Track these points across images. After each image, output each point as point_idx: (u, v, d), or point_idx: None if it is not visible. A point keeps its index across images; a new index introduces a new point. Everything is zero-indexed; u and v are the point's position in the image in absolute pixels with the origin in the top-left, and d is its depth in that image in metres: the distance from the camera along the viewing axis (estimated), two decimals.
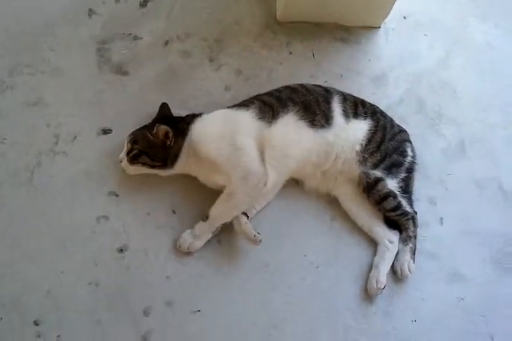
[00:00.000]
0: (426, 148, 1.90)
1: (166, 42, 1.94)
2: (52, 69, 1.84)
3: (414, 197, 1.77)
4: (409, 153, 1.77)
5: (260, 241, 1.61)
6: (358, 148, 1.69)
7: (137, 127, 1.71)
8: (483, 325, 1.68)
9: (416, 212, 1.72)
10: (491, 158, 1.93)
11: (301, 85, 1.77)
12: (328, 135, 1.67)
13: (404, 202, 1.70)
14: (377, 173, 1.68)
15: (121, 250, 1.64)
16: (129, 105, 1.82)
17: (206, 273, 1.65)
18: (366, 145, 1.70)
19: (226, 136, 1.61)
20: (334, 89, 1.79)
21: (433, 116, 1.97)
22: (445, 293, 1.71)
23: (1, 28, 1.90)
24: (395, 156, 1.72)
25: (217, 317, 1.60)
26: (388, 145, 1.72)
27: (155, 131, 1.59)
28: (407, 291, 1.70)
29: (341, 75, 1.98)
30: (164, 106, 1.73)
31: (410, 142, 1.81)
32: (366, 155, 1.69)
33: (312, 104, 1.69)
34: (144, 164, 1.62)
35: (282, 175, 1.67)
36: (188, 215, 1.70)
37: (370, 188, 1.68)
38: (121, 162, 1.64)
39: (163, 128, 1.59)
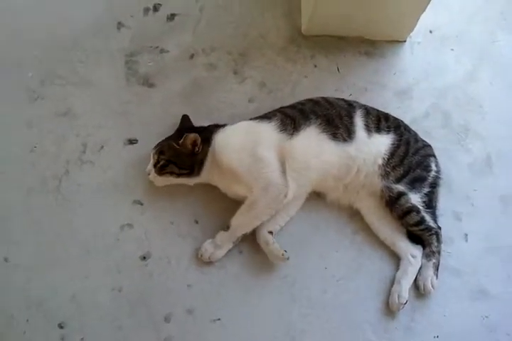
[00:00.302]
0: (452, 163, 1.88)
1: (192, 56, 1.97)
2: (81, 81, 1.89)
3: (438, 213, 1.76)
4: (433, 167, 1.76)
5: (288, 258, 1.61)
6: (380, 161, 1.69)
7: (162, 138, 1.74)
8: None
9: (440, 228, 1.70)
10: None
11: (324, 98, 1.78)
12: (350, 149, 1.67)
13: (427, 217, 1.68)
14: (400, 187, 1.67)
15: (144, 258, 1.67)
16: (155, 116, 1.85)
17: (227, 282, 1.66)
18: (389, 159, 1.69)
19: (248, 147, 1.63)
20: (357, 103, 1.79)
21: (459, 130, 1.95)
22: (469, 310, 1.68)
23: (35, 41, 1.95)
24: (418, 171, 1.71)
25: (236, 326, 1.61)
26: (411, 159, 1.72)
27: (183, 140, 1.62)
28: (430, 307, 1.67)
29: (366, 89, 1.98)
30: (185, 118, 1.77)
31: (435, 157, 1.79)
32: (388, 169, 1.69)
33: (334, 118, 1.70)
34: (171, 173, 1.64)
35: (303, 187, 1.68)
36: (210, 225, 1.71)
37: (392, 202, 1.67)
38: (149, 174, 1.66)
39: (192, 136, 1.62)
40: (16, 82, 1.89)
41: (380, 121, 1.75)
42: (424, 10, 1.96)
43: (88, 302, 1.63)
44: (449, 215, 1.80)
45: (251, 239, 1.69)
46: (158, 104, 1.87)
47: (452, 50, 2.11)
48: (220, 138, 1.66)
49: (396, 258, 1.71)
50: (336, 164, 1.66)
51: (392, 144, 1.72)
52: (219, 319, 1.62)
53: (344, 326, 1.64)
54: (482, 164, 1.90)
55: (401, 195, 1.67)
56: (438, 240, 1.69)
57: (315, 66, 2.00)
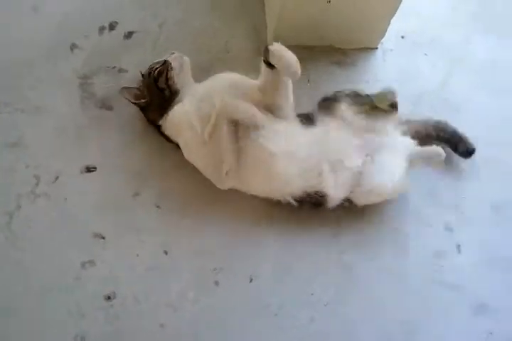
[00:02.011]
0: (436, 172, 1.79)
1: None
2: (32, 108, 1.76)
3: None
4: None
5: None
6: None
7: (123, 164, 1.65)
8: None
9: None
10: (505, 178, 1.82)
11: None
12: None
13: None
14: None
15: (109, 297, 1.52)
16: (114, 140, 1.73)
17: (203, 317, 1.52)
18: None
19: None
20: None
21: None
22: (471, 327, 1.59)
23: None
24: None
25: None
26: None
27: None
28: (429, 327, 1.57)
29: None
30: None
31: None
32: None
33: None
34: None
35: None
36: (181, 254, 1.59)
37: None
38: None
39: None
40: None
41: None
42: (393, 15, 1.89)
43: None
44: (440, 226, 1.72)
45: (228, 269, 1.57)
46: (118, 127, 1.76)
47: (426, 54, 2.05)
48: None
49: (387, 276, 1.62)
50: None
51: None
52: None
53: None
54: (468, 171, 1.82)
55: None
56: None
57: None
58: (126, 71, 1.86)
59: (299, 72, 1.53)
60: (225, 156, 1.54)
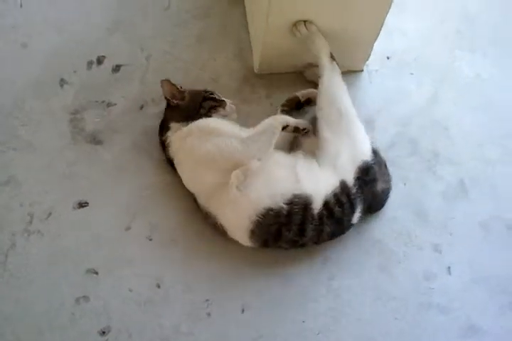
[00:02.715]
0: (425, 193, 1.81)
1: (141, 107, 1.88)
2: (23, 145, 1.78)
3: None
4: None
5: None
6: None
7: (115, 197, 1.66)
8: None
9: None
10: (494, 196, 1.83)
11: None
12: None
13: None
14: None
15: (104, 332, 1.53)
16: (105, 174, 1.75)
17: None
18: None
19: None
20: None
21: (428, 157, 1.89)
22: None
23: None
24: None
25: None
26: None
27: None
28: None
29: None
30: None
31: None
32: None
33: None
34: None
35: None
36: (173, 287, 1.60)
37: None
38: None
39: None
40: None
41: None
42: (376, 38, 1.92)
43: None
44: (428, 248, 1.72)
45: (220, 300, 1.59)
46: (109, 161, 1.78)
47: (412, 74, 2.07)
48: None
49: (377, 300, 1.62)
50: None
51: None
52: None
53: None
54: (456, 190, 1.83)
55: None
56: None
57: (271, 104, 1.93)
58: (115, 104, 1.88)
59: None
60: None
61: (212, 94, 1.75)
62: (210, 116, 1.70)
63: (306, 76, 1.97)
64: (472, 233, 1.76)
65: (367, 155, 1.65)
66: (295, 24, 1.74)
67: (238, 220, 1.56)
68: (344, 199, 1.58)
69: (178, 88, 1.73)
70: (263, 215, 1.53)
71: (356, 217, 1.63)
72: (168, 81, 1.72)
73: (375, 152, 1.69)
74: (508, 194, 1.84)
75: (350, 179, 1.61)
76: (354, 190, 1.60)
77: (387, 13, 1.80)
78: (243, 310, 1.58)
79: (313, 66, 1.86)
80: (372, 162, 1.65)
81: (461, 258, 1.71)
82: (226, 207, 1.57)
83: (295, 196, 1.55)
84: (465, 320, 1.61)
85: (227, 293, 1.60)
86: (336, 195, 1.58)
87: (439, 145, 1.91)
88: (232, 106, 1.75)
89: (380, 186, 1.67)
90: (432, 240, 1.73)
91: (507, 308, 1.64)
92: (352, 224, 1.64)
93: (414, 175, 1.83)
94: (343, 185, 1.59)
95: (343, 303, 1.62)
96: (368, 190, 1.63)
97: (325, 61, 1.73)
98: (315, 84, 1.80)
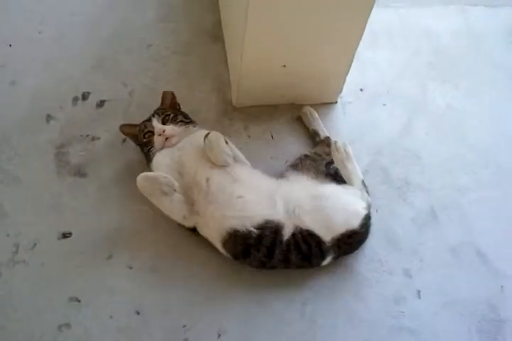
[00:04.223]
0: (395, 219, 1.87)
1: (124, 140, 1.96)
2: (10, 179, 1.86)
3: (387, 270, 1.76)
4: None
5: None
6: None
7: (98, 227, 1.73)
8: None
9: None
10: (464, 223, 1.89)
11: None
12: None
13: None
14: None
15: None
16: (88, 206, 1.82)
17: None
18: None
19: None
20: None
21: (399, 185, 1.95)
22: None
23: None
24: None
25: None
26: None
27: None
28: None
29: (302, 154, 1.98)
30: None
31: None
32: None
33: None
34: (181, 122, 1.80)
35: None
36: (152, 313, 1.65)
37: None
38: (159, 135, 1.75)
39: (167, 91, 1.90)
40: None
41: None
42: (347, 73, 2.01)
43: None
44: (399, 273, 1.77)
45: (195, 326, 1.63)
46: (92, 193, 1.85)
47: (384, 105, 2.16)
48: None
49: (349, 324, 1.66)
50: None
51: None
52: None
53: None
54: (426, 216, 1.89)
55: None
56: None
57: (249, 136, 2.02)
58: (99, 138, 1.97)
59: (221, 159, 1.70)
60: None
61: (145, 126, 1.81)
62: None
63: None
64: (442, 258, 1.81)
65: (354, 225, 1.67)
66: (335, 143, 1.84)
67: (211, 231, 1.65)
68: (313, 243, 1.63)
69: (135, 126, 1.84)
70: (229, 234, 1.60)
71: (327, 261, 1.68)
72: (124, 125, 1.86)
73: (367, 218, 1.72)
74: (478, 220, 1.89)
75: (327, 239, 1.64)
76: (328, 245, 1.64)
77: (356, 48, 1.89)
78: (219, 335, 1.63)
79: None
80: (359, 228, 1.68)
81: (430, 282, 1.76)
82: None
83: (267, 221, 1.61)
84: None
85: (204, 319, 1.64)
86: (303, 236, 1.63)
87: (411, 173, 1.98)
88: (160, 138, 1.77)
89: (358, 239, 1.73)
90: (402, 265, 1.78)
91: (474, 332, 1.68)
92: (321, 265, 1.69)
93: (386, 202, 1.90)
94: (317, 238, 1.63)
95: (316, 327, 1.66)
96: (345, 247, 1.69)
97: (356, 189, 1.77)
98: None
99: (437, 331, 1.67)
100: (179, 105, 1.92)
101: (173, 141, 1.77)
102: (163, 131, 1.74)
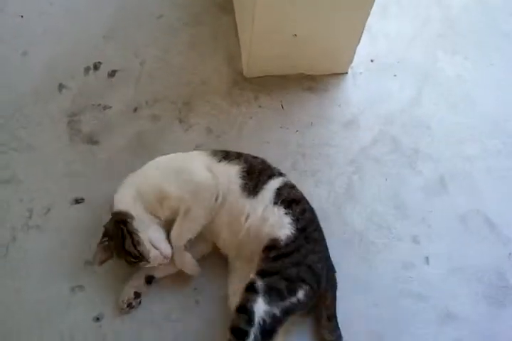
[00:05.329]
0: (404, 187, 1.89)
1: (135, 109, 1.98)
2: (24, 146, 1.89)
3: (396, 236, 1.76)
4: (299, 296, 1.48)
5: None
6: (264, 241, 1.54)
7: (109, 194, 1.72)
8: None
9: None
10: (472, 191, 1.90)
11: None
12: (248, 203, 1.60)
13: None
14: (258, 282, 1.46)
15: (98, 319, 1.61)
16: (100, 173, 1.85)
17: (184, 337, 1.60)
18: (271, 246, 1.53)
19: (172, 168, 1.66)
20: (286, 177, 1.72)
21: (409, 154, 1.97)
22: (439, 336, 1.63)
23: None
24: (282, 285, 1.47)
25: None
26: (287, 268, 1.50)
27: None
28: (397, 336, 1.63)
29: (312, 123, 2.00)
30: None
31: (311, 287, 1.51)
32: (263, 257, 1.52)
33: (256, 170, 1.66)
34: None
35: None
36: (163, 281, 1.67)
37: (244, 290, 1.47)
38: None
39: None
40: None
41: (293, 201, 1.62)
42: (358, 42, 2.02)
43: None
44: (407, 240, 1.79)
45: (208, 288, 1.66)
46: (104, 160, 1.87)
47: (395, 75, 2.16)
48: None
49: (354, 287, 1.68)
50: (233, 211, 1.60)
51: (287, 236, 1.54)
52: None
53: None
54: (436, 185, 1.90)
55: (253, 289, 1.45)
56: None
57: (259, 106, 2.03)
58: (111, 107, 1.99)
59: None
60: None
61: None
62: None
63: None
64: (450, 225, 1.82)
65: None
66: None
67: None
68: None
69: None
70: None
71: None
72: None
73: None
74: (486, 189, 1.90)
75: None
76: None
77: (367, 17, 1.90)
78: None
79: None
80: None
81: (439, 249, 1.77)
82: None
83: None
84: (442, 307, 1.67)
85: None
86: None
87: (420, 143, 1.99)
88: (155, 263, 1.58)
89: None
90: (411, 232, 1.79)
91: (482, 297, 1.70)
92: None
93: (396, 170, 1.91)
94: None
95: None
96: None
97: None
98: None
99: (445, 296, 1.69)
100: None
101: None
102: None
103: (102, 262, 1.58)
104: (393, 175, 1.90)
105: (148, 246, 1.53)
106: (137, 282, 1.62)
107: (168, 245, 1.56)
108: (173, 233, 1.57)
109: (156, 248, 1.54)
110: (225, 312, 1.58)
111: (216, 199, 1.59)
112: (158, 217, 1.61)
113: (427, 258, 1.76)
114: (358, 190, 1.87)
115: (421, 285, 1.70)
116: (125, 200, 1.61)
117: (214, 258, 1.69)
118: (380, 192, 1.85)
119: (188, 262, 1.58)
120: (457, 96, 2.12)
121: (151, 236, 1.55)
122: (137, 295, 1.61)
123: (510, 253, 1.78)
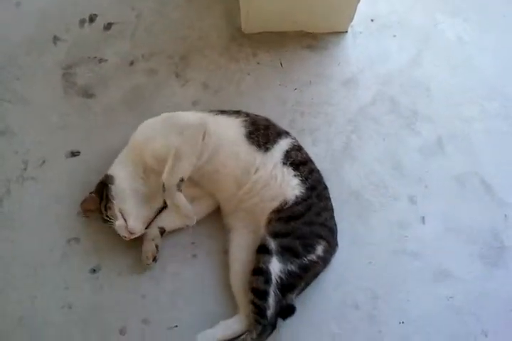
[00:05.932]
0: (402, 148, 1.88)
1: (132, 63, 1.95)
2: (18, 98, 1.86)
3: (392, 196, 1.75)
4: (317, 252, 1.53)
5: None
6: (274, 204, 1.56)
7: (104, 147, 1.73)
8: (474, 323, 1.62)
9: (273, 326, 1.49)
10: (469, 153, 1.89)
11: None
12: (257, 157, 1.59)
13: (271, 301, 1.47)
14: (271, 244, 1.50)
15: (94, 270, 1.62)
16: (96, 126, 1.83)
17: (182, 288, 1.61)
18: (279, 209, 1.55)
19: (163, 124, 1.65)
20: (295, 139, 1.70)
21: (407, 114, 1.95)
22: (432, 293, 1.66)
23: None
24: (297, 243, 1.52)
25: (194, 331, 1.54)
26: (300, 227, 1.54)
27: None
28: (392, 293, 1.64)
29: (311, 82, 1.98)
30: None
31: (328, 242, 1.57)
32: (274, 217, 1.55)
33: (262, 127, 1.65)
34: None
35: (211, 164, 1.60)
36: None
37: (257, 252, 1.52)
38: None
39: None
40: None
41: (300, 163, 1.63)
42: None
43: (38, 323, 1.57)
44: (404, 199, 1.79)
45: (205, 243, 1.66)
46: (99, 113, 1.85)
47: (395, 36, 2.12)
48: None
49: (350, 245, 1.68)
50: (240, 162, 1.59)
51: (295, 197, 1.56)
52: (176, 326, 1.57)
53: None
54: (433, 146, 1.89)
55: (266, 251, 1.49)
56: (260, 334, 1.47)
57: (258, 63, 1.99)
58: (106, 60, 1.95)
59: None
60: None
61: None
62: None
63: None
64: (447, 186, 1.82)
65: None
66: None
67: None
68: None
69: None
70: None
71: None
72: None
73: None
74: (484, 151, 1.90)
75: None
76: None
77: None
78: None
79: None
80: None
81: (435, 209, 1.78)
82: None
83: None
84: (437, 265, 1.69)
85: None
86: None
87: (419, 104, 1.97)
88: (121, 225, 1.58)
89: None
90: (407, 192, 1.79)
91: (476, 257, 1.72)
92: None
93: (394, 131, 1.90)
94: None
95: None
96: None
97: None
98: None
99: (440, 255, 1.71)
100: None
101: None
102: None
103: (86, 211, 1.62)
104: (391, 135, 1.89)
105: (118, 215, 1.55)
106: (153, 234, 1.62)
107: (139, 224, 1.57)
108: (164, 174, 1.54)
109: (124, 219, 1.55)
110: (221, 267, 1.60)
111: (203, 138, 1.56)
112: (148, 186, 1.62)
113: (422, 218, 1.76)
114: (355, 149, 1.86)
115: (416, 244, 1.71)
116: (116, 165, 1.63)
117: (213, 214, 1.69)
118: (378, 152, 1.84)
119: (182, 204, 1.55)
120: (457, 59, 2.09)
121: (122, 207, 1.56)
122: (157, 247, 1.61)
123: (505, 215, 1.78)
